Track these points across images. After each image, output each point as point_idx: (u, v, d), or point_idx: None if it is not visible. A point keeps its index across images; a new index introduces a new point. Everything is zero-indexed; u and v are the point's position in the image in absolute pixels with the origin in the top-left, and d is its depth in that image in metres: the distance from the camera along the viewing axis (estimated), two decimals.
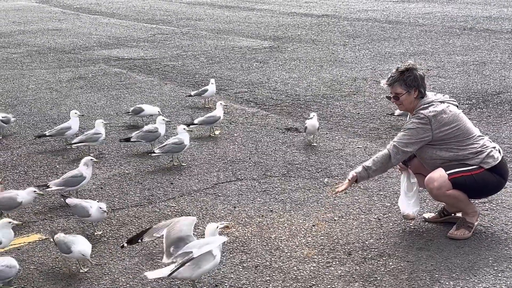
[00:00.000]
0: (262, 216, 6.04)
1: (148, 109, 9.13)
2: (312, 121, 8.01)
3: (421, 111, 5.32)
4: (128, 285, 4.82)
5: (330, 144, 8.13)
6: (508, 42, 14.84)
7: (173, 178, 7.02)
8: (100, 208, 5.59)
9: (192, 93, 10.22)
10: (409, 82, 5.39)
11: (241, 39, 17.01)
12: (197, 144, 8.23)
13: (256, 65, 13.50)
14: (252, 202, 6.38)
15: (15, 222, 5.16)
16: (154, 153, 7.37)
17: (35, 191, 5.89)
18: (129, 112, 9.18)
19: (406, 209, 5.54)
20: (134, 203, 6.42)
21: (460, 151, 5.31)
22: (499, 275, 4.78)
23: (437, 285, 4.67)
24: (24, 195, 5.84)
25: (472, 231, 5.39)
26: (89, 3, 27.84)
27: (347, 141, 8.24)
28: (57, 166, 7.55)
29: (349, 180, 5.47)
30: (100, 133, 7.82)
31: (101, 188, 6.81)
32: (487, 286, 4.63)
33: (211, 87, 9.99)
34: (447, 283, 4.69)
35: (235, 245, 5.45)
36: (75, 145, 7.87)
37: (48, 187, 6.30)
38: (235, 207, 6.26)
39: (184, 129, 7.46)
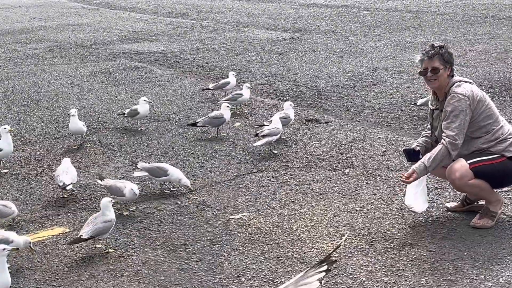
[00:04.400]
0: (284, 207, 6.05)
1: (143, 110, 8.68)
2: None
3: (456, 90, 5.24)
4: (151, 277, 4.86)
5: (351, 134, 8.10)
6: None
7: (194, 171, 7.05)
8: (132, 189, 5.92)
9: (210, 86, 10.18)
10: (446, 58, 5.34)
11: (260, 31, 16.99)
12: (217, 136, 8.24)
13: (275, 57, 13.47)
14: (273, 194, 6.38)
15: (9, 248, 4.65)
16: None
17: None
18: (124, 114, 8.87)
19: (414, 205, 5.50)
20: (156, 196, 6.45)
21: (488, 134, 5.25)
22: None
23: (460, 274, 4.64)
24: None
25: (495, 220, 5.35)
26: None
27: (368, 131, 8.20)
28: (80, 160, 7.61)
29: (414, 178, 5.32)
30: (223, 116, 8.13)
31: (124, 179, 6.84)
32: (511, 274, 4.60)
33: (232, 80, 9.93)
34: (470, 272, 4.66)
35: (256, 236, 5.46)
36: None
37: (136, 165, 6.65)
38: (256, 199, 6.27)
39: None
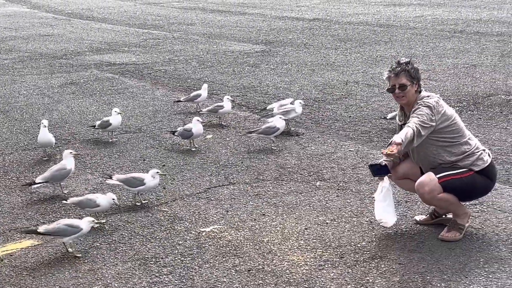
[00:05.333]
0: (255, 219, 6.06)
1: (115, 121, 8.64)
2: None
3: (423, 100, 5.32)
4: None
5: (322, 147, 8.16)
6: (498, 45, 14.93)
7: (165, 183, 7.03)
8: (113, 199, 5.96)
9: (182, 98, 10.19)
10: (412, 74, 5.41)
11: (233, 43, 17.04)
12: (189, 149, 8.24)
13: (248, 69, 13.53)
14: (245, 206, 6.40)
15: None
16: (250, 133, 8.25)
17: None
18: (94, 126, 8.77)
19: (384, 219, 5.54)
20: (126, 208, 6.42)
21: (454, 148, 5.32)
22: (490, 276, 4.81)
23: (429, 287, 4.70)
24: None
25: (463, 233, 5.43)
26: (80, 9, 27.83)
27: (339, 144, 8.27)
28: None
29: (397, 144, 5.06)
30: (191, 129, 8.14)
31: (93, 193, 6.79)
32: (478, 287, 4.66)
33: (204, 92, 9.95)
34: (438, 285, 4.72)
35: (227, 249, 5.47)
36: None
37: (110, 177, 6.67)
38: (227, 211, 6.28)
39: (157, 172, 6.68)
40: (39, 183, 6.70)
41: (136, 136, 8.96)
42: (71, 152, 6.86)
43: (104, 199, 5.95)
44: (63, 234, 5.37)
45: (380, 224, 5.65)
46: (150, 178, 6.45)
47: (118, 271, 5.15)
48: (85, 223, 5.43)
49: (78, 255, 5.43)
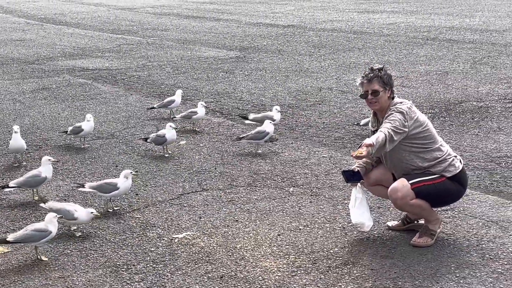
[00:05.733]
0: (228, 226, 6.04)
1: (87, 127, 8.53)
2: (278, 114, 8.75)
3: (396, 106, 5.36)
4: None
5: (296, 153, 8.17)
6: (470, 52, 15.11)
7: (138, 189, 6.98)
8: (92, 213, 5.83)
9: (155, 105, 10.14)
10: (385, 80, 5.44)
11: (207, 50, 17.02)
12: (162, 155, 8.20)
13: (222, 75, 13.52)
14: (218, 212, 6.37)
15: None
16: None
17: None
18: (66, 132, 8.66)
19: (361, 223, 5.55)
20: (96, 216, 6.34)
21: (427, 154, 5.36)
22: (461, 281, 4.84)
23: None
24: None
25: (434, 239, 5.46)
26: (53, 14, 27.61)
27: (312, 150, 8.29)
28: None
29: (367, 146, 5.07)
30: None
31: (65, 200, 6.73)
32: None
33: (178, 98, 9.91)
34: None
35: (200, 255, 5.44)
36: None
37: (82, 186, 6.55)
38: (200, 218, 6.25)
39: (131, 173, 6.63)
40: (12, 187, 6.61)
41: (109, 142, 8.89)
42: (49, 159, 6.76)
43: (83, 213, 5.83)
44: (32, 240, 5.30)
45: (357, 229, 5.66)
46: (123, 180, 6.40)
47: (89, 278, 5.09)
48: (54, 226, 5.40)
49: (45, 259, 5.40)
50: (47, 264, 5.32)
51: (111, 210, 6.45)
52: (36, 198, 6.73)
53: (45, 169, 6.70)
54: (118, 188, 6.38)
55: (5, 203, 6.73)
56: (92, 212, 5.83)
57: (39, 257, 5.41)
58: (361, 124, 8.87)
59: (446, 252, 5.33)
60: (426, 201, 5.37)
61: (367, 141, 5.11)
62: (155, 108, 10.07)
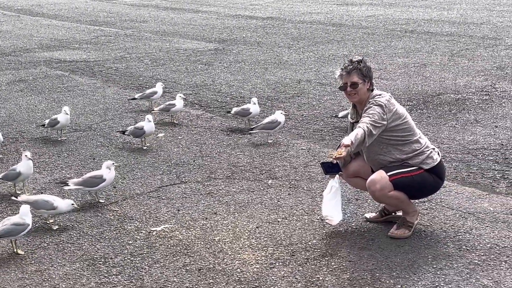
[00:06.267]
0: (206, 218, 6.03)
1: (63, 119, 8.44)
2: (256, 106, 8.75)
3: (375, 99, 5.36)
4: None
5: (274, 145, 8.16)
6: (448, 45, 15.19)
7: (116, 182, 6.93)
8: (73, 204, 5.84)
9: (137, 95, 10.07)
10: (364, 72, 5.44)
11: (186, 41, 16.94)
12: (140, 148, 8.15)
13: (201, 67, 13.46)
14: (196, 205, 6.35)
15: None
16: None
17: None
18: (44, 125, 8.57)
19: (330, 216, 5.55)
20: (75, 208, 6.29)
21: (405, 146, 5.38)
22: (438, 273, 4.87)
23: (378, 284, 4.74)
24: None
25: (412, 230, 5.49)
26: (30, 5, 27.31)
27: (291, 142, 8.29)
28: None
29: (345, 146, 5.11)
30: None
31: (42, 192, 6.66)
32: (426, 283, 4.72)
33: (159, 90, 9.85)
34: (387, 281, 4.76)
35: (178, 248, 5.42)
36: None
37: (66, 184, 6.36)
38: (179, 210, 6.22)
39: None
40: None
41: (86, 134, 8.82)
42: (26, 156, 6.65)
43: (62, 204, 5.81)
44: (11, 235, 5.25)
45: (326, 221, 5.68)
46: (107, 171, 6.36)
47: (66, 271, 5.05)
48: (29, 219, 5.37)
49: (21, 252, 5.37)
50: (23, 258, 5.27)
51: (103, 201, 6.44)
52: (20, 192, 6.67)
53: (21, 164, 6.61)
54: (104, 180, 6.34)
55: None
56: (72, 204, 5.83)
57: (15, 250, 5.36)
58: (339, 116, 8.88)
59: (423, 244, 5.36)
60: (404, 193, 5.39)
61: (346, 141, 5.12)
62: (136, 99, 9.99)
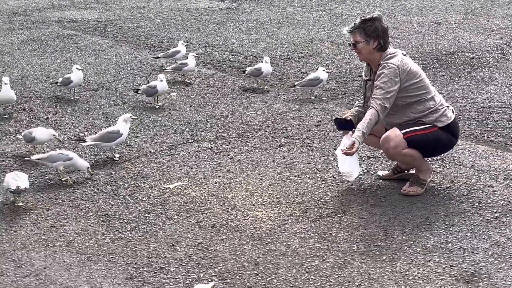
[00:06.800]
0: (219, 176, 6.05)
1: (76, 78, 8.46)
2: (268, 65, 8.63)
3: (388, 61, 5.33)
4: (84, 247, 4.80)
5: (287, 105, 8.15)
6: (462, 3, 14.98)
7: (129, 140, 6.96)
8: (88, 168, 5.98)
9: (160, 54, 10.05)
10: (369, 32, 5.39)
11: (197, 1, 16.81)
12: (153, 107, 8.16)
13: (213, 26, 13.38)
14: (209, 163, 6.38)
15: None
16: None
17: (54, 135, 6.44)
18: (57, 83, 8.62)
19: (347, 172, 5.56)
20: (90, 165, 6.33)
21: (420, 104, 5.36)
22: (451, 229, 4.89)
23: (390, 240, 4.76)
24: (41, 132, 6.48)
25: (424, 188, 5.49)
26: None
27: (304, 102, 8.27)
28: (10, 130, 7.41)
29: (356, 147, 5.31)
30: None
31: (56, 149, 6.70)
32: (439, 240, 4.74)
33: (182, 49, 9.81)
34: (399, 238, 4.78)
35: (191, 205, 5.46)
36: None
37: (84, 140, 6.40)
38: (191, 168, 6.25)
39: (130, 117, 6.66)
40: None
41: (99, 93, 8.83)
42: (54, 135, 6.49)
43: (43, 133, 6.17)
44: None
45: (343, 178, 5.69)
46: (123, 125, 6.41)
47: (81, 227, 5.11)
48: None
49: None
50: (39, 214, 5.33)
51: (117, 158, 6.47)
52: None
53: (38, 130, 6.60)
54: (121, 134, 6.40)
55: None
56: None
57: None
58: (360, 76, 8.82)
59: (436, 201, 5.37)
60: (417, 151, 5.38)
61: (356, 143, 5.29)
62: (159, 58, 9.98)
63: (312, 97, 8.34)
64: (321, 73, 8.21)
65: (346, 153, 5.38)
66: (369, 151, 6.39)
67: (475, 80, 8.89)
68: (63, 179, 5.98)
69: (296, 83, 8.38)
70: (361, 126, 5.33)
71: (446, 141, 5.48)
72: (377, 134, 5.55)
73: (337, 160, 5.72)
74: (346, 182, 5.75)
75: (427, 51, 10.64)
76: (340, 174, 5.71)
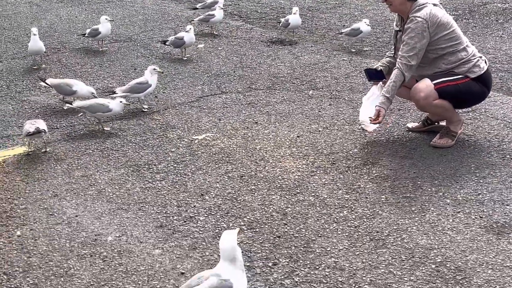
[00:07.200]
0: (247, 128, 6.05)
1: (104, 29, 8.41)
2: (296, 17, 8.52)
3: (416, 14, 5.23)
4: (114, 195, 4.86)
5: (315, 56, 8.07)
6: None
7: (157, 92, 6.97)
8: (121, 101, 6.01)
9: (198, 5, 9.98)
10: None
11: None
12: (180, 58, 8.14)
13: None
14: (237, 115, 6.37)
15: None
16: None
17: (92, 93, 6.42)
18: (85, 34, 8.56)
19: (366, 120, 5.51)
20: (119, 116, 6.37)
21: (452, 55, 5.27)
22: (481, 181, 4.85)
23: (419, 192, 4.74)
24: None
25: (455, 140, 5.44)
26: None
27: (332, 53, 8.19)
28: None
29: (383, 115, 5.34)
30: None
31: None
32: (469, 191, 4.71)
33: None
34: (429, 189, 4.76)
35: (220, 156, 5.48)
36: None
37: (114, 92, 6.42)
38: (220, 120, 6.25)
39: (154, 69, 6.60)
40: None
41: (127, 45, 8.82)
42: (92, 93, 6.46)
43: (115, 104, 6.01)
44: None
45: (361, 127, 5.65)
46: (150, 75, 6.44)
47: (111, 177, 5.16)
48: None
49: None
50: (70, 163, 5.39)
51: (146, 109, 6.51)
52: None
53: (77, 83, 6.56)
54: (150, 85, 6.43)
55: (26, 105, 6.74)
56: (121, 101, 6.03)
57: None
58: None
59: (466, 153, 5.32)
60: (449, 102, 5.30)
61: (381, 111, 5.29)
62: (198, 8, 9.91)
63: (352, 49, 8.24)
64: (363, 25, 8.10)
65: (373, 122, 5.38)
66: (399, 103, 6.32)
67: (507, 31, 8.71)
68: (106, 128, 6.05)
69: (342, 31, 8.33)
70: (385, 90, 5.29)
71: (478, 92, 5.40)
72: (408, 86, 5.48)
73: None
74: (375, 134, 5.71)
75: (459, 1, 10.42)
76: (360, 122, 5.66)
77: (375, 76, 5.56)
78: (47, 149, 5.60)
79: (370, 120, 5.38)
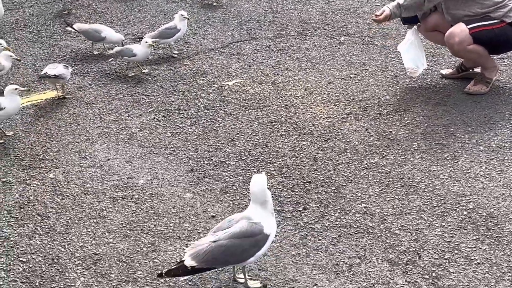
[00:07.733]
0: (278, 74, 6.00)
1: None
2: None
3: None
4: (145, 140, 4.89)
5: (347, 2, 7.92)
6: None
7: (187, 37, 6.92)
8: (146, 41, 5.98)
9: None
10: None
11: None
12: (210, 4, 8.05)
13: None
14: (267, 61, 6.32)
15: (21, 88, 5.00)
16: None
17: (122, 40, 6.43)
18: None
19: (411, 66, 5.43)
20: (148, 62, 6.36)
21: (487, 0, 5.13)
22: None
23: (452, 139, 4.68)
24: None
25: (489, 87, 5.33)
26: None
27: None
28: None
29: (385, 15, 5.24)
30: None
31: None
32: (503, 138, 4.64)
33: None
34: (462, 136, 4.70)
35: (250, 102, 5.46)
36: None
37: (143, 38, 6.33)
38: (250, 66, 6.21)
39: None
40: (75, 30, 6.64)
41: None
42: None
43: (140, 49, 5.97)
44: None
45: (408, 74, 5.55)
46: (179, 20, 6.40)
47: (142, 121, 5.18)
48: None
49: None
50: (101, 108, 5.42)
51: (176, 55, 6.49)
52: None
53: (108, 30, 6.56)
54: (179, 30, 6.39)
55: (57, 49, 6.76)
56: (146, 41, 5.99)
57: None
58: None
59: (501, 100, 5.22)
60: (484, 47, 5.18)
61: (386, 10, 5.23)
62: None
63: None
64: None
65: (374, 20, 5.33)
66: (432, 49, 6.21)
67: None
68: (138, 71, 6.10)
69: None
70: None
71: None
72: (442, 31, 5.36)
73: (400, 57, 5.59)
74: (408, 80, 5.64)
75: None
76: (405, 70, 5.57)
77: (410, 19, 5.44)
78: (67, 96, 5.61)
79: (375, 15, 5.34)
